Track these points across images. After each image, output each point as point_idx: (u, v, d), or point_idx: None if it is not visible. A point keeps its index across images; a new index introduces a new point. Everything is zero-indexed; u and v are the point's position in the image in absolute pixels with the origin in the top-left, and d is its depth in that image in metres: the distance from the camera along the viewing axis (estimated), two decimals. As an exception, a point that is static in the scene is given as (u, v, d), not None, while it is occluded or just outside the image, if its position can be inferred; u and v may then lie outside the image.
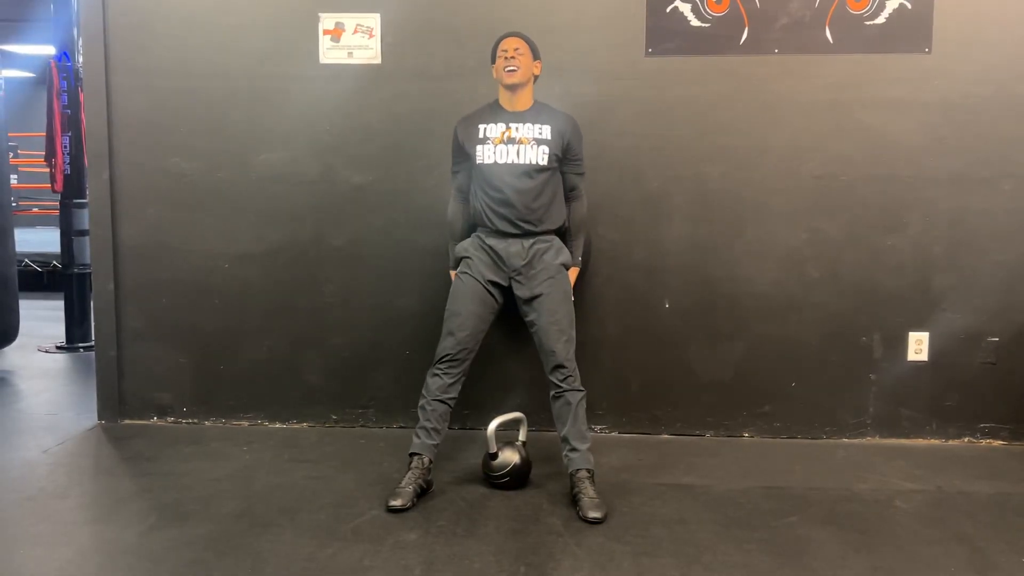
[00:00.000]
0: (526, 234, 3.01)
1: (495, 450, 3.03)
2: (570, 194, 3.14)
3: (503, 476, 3.03)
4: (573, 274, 3.17)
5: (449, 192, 3.22)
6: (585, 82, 3.55)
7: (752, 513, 2.86)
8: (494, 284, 3.05)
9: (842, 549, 2.58)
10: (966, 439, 3.62)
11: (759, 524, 2.77)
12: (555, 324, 2.97)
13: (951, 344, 3.57)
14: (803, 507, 2.91)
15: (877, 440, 3.63)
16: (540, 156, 2.97)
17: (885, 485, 3.12)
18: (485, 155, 2.99)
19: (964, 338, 3.57)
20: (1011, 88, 3.46)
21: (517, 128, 2.99)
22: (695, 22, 3.50)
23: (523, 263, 3.00)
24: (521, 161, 2.97)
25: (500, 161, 2.98)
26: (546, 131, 2.99)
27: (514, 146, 2.98)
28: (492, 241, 3.04)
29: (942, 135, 3.50)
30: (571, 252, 3.13)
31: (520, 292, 3.02)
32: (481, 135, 3.01)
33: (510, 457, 3.03)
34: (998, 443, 3.60)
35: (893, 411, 3.62)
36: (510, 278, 3.04)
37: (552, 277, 3.01)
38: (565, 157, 3.05)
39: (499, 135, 2.99)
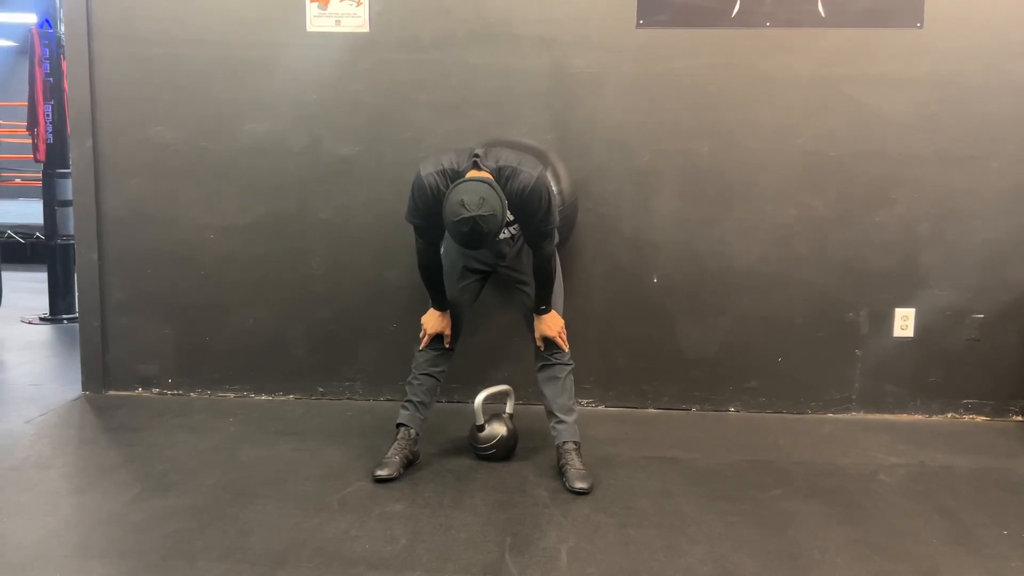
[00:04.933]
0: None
1: (482, 422, 3.03)
2: (533, 251, 2.85)
3: (490, 448, 3.03)
4: (550, 319, 2.90)
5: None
6: (575, 53, 3.52)
7: (737, 486, 2.87)
8: (478, 268, 3.01)
9: (825, 521, 2.60)
10: (949, 415, 3.65)
11: (743, 497, 2.78)
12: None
13: (936, 321, 3.59)
14: (787, 480, 2.92)
15: (862, 415, 3.65)
16: (507, 234, 2.86)
17: (869, 459, 3.14)
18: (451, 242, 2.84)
19: (949, 315, 3.59)
20: (1002, 66, 3.45)
21: None
22: (687, -6, 3.47)
23: (512, 254, 2.96)
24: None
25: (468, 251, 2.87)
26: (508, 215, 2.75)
27: None
28: None
29: (932, 112, 3.49)
30: (533, 298, 2.90)
31: (509, 273, 3.00)
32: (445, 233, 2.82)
33: (497, 429, 3.04)
34: (981, 419, 3.63)
35: (878, 387, 3.64)
36: (496, 265, 3.00)
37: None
38: (522, 220, 2.79)
39: None
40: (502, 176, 2.68)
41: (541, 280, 2.88)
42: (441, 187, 2.67)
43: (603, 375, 3.70)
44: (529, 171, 2.69)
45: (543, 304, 2.91)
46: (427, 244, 2.86)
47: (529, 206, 2.71)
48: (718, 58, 3.50)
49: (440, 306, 2.97)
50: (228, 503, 2.66)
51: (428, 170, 2.71)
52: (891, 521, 2.62)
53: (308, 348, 3.77)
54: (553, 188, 2.87)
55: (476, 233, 2.53)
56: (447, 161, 2.72)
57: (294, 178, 3.67)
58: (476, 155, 2.68)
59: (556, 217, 2.83)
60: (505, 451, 3.05)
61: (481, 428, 3.03)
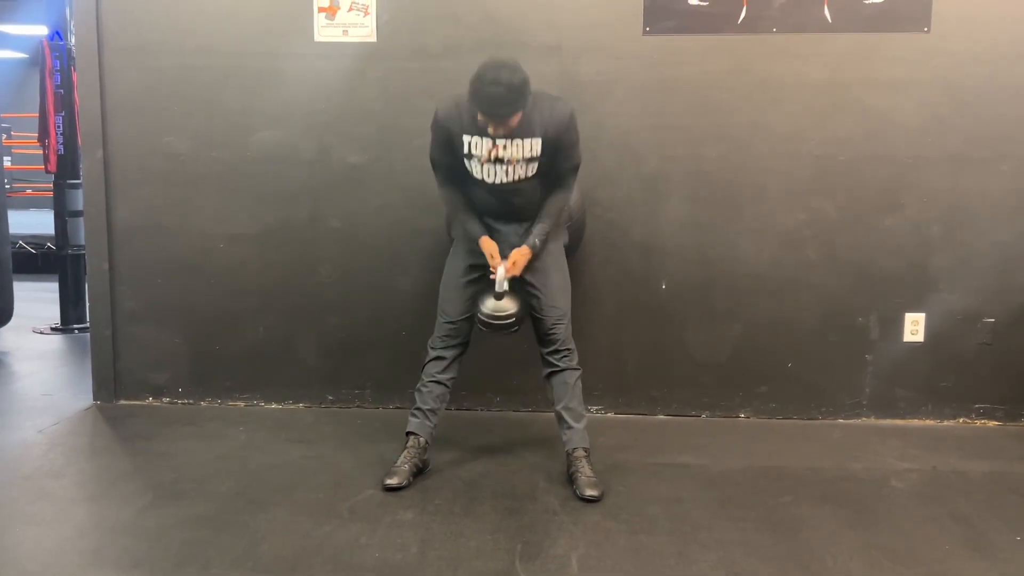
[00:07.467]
0: (521, 220, 2.93)
1: (503, 291, 2.82)
2: (555, 184, 2.87)
3: (507, 319, 2.84)
4: (520, 256, 2.84)
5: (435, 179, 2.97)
6: (582, 61, 3.53)
7: (748, 492, 2.86)
8: (478, 267, 2.96)
9: (837, 527, 2.59)
10: (961, 420, 3.63)
11: (755, 503, 2.77)
12: (553, 307, 2.94)
13: (947, 325, 3.58)
14: (799, 486, 2.91)
15: (873, 420, 3.64)
16: (530, 171, 2.80)
17: (880, 465, 3.13)
18: (472, 169, 2.82)
19: (960, 319, 3.57)
20: (1010, 68, 3.44)
21: (505, 146, 2.74)
22: (693, 0, 3.47)
23: (519, 244, 2.95)
24: (510, 179, 2.80)
25: (488, 180, 2.81)
26: (536, 146, 2.75)
27: (503, 166, 2.77)
28: (488, 220, 2.96)
29: (941, 115, 3.48)
30: (531, 231, 2.86)
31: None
32: (466, 149, 2.78)
33: (514, 304, 2.86)
34: (993, 423, 3.61)
35: (889, 392, 3.63)
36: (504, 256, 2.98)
37: (550, 256, 2.96)
38: (555, 152, 2.79)
39: (486, 153, 2.76)
40: (539, 99, 2.74)
41: (549, 213, 2.87)
42: (453, 116, 2.77)
43: (612, 382, 3.69)
44: (565, 103, 2.79)
45: (538, 238, 2.85)
46: (448, 182, 2.92)
47: (570, 128, 2.78)
48: (725, 64, 3.51)
49: (482, 230, 2.90)
50: (239, 511, 2.67)
51: (445, 104, 2.83)
52: (903, 526, 2.61)
53: (318, 356, 3.78)
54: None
55: (500, 86, 2.56)
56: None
57: (304, 187, 3.69)
58: None
59: (580, 153, 2.90)
60: (515, 327, 2.89)
61: (500, 297, 2.83)
